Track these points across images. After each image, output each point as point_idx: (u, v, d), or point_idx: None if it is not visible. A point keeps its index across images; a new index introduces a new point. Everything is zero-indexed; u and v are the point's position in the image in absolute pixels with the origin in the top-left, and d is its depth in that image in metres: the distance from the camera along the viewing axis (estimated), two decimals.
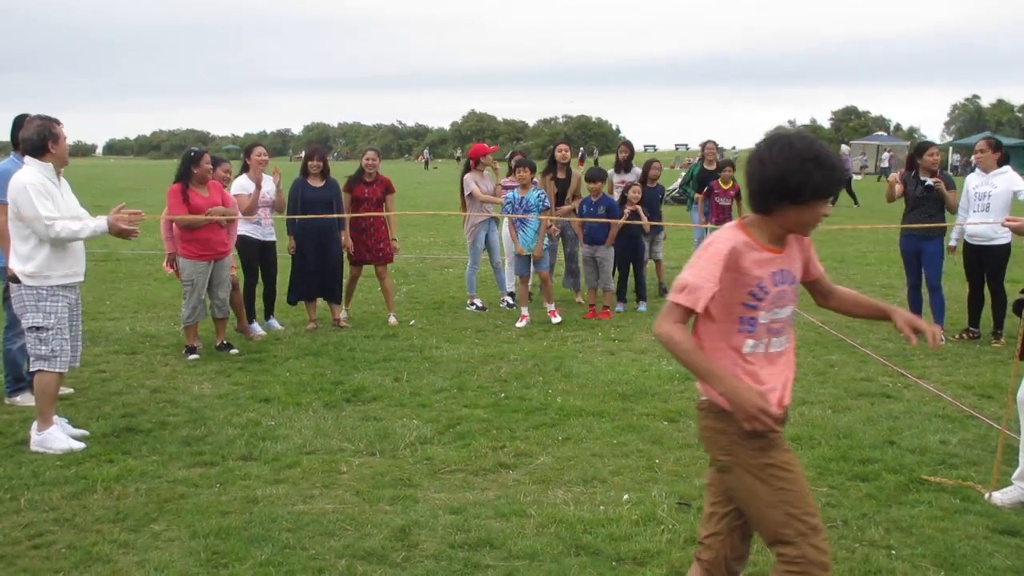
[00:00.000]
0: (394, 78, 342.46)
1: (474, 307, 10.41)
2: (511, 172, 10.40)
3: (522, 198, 9.62)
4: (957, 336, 8.81)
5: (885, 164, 54.39)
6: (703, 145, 13.30)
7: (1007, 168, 8.58)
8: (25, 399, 6.61)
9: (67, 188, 5.95)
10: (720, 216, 11.89)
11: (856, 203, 27.78)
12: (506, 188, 10.30)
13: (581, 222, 10.17)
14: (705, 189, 12.01)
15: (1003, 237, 8.46)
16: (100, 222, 5.70)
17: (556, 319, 9.58)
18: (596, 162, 16.36)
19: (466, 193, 10.42)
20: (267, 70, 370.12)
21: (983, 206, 8.48)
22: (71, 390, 6.88)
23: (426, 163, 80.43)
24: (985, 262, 8.64)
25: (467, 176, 10.51)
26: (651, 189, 11.15)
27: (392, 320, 9.71)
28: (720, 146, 13.44)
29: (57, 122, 5.80)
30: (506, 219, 10.26)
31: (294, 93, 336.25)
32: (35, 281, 5.60)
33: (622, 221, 10.03)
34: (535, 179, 9.81)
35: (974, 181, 8.70)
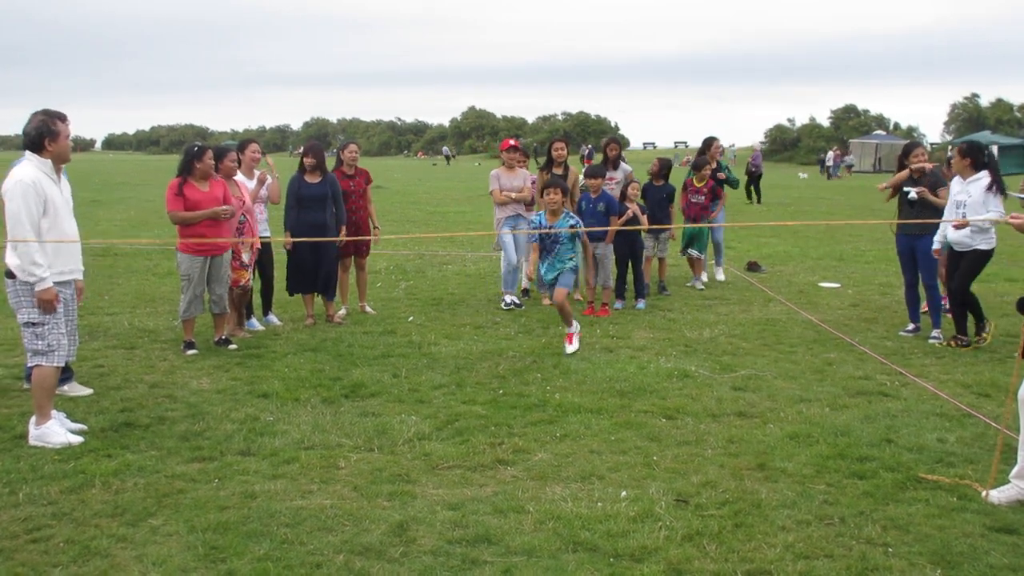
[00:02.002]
0: (393, 74, 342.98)
1: (507, 303, 10.30)
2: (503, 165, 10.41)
3: (551, 227, 8.26)
4: (946, 343, 8.61)
5: (829, 163, 54.73)
6: (708, 143, 12.63)
7: (983, 174, 8.23)
8: (73, 388, 6.69)
9: (67, 186, 5.93)
10: (693, 213, 11.70)
11: (759, 201, 27.69)
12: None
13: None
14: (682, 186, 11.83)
15: (983, 243, 8.23)
16: (43, 282, 5.55)
17: (571, 347, 8.16)
18: (592, 160, 16.35)
19: (489, 190, 10.37)
20: (267, 66, 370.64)
21: (960, 214, 8.27)
22: (90, 391, 6.81)
23: (447, 158, 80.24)
24: (960, 266, 8.43)
25: (492, 172, 10.50)
26: (658, 187, 11.13)
27: (368, 310, 9.97)
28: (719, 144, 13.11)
29: (60, 118, 5.75)
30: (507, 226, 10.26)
31: (294, 89, 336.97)
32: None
33: (635, 223, 10.04)
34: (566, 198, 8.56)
35: (955, 187, 8.50)
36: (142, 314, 9.81)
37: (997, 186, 8.09)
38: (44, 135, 5.65)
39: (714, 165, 12.30)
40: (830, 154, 57.48)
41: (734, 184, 12.74)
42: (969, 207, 8.20)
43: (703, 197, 11.66)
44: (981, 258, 8.34)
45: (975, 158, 8.33)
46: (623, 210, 10.14)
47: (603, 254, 10.02)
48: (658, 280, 11.39)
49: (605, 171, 10.46)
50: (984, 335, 8.48)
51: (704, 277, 12.17)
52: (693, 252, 11.83)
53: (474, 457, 5.46)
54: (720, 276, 12.38)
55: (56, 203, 5.68)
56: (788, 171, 58.91)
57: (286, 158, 75.98)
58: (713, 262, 12.55)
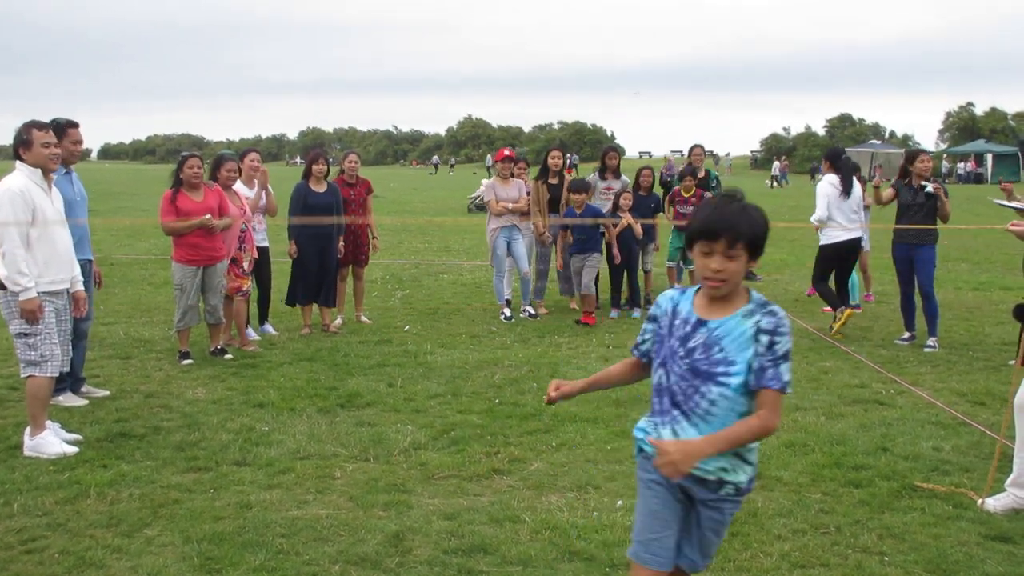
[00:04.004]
0: (390, 83, 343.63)
1: (503, 317, 10.22)
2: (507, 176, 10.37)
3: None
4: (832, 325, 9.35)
5: (775, 172, 54.92)
6: (691, 150, 12.47)
7: (826, 177, 9.46)
8: (68, 399, 6.73)
9: (57, 196, 5.92)
10: (683, 223, 11.60)
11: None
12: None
13: (567, 232, 10.03)
14: (667, 196, 11.61)
15: (822, 239, 9.38)
16: (27, 291, 5.52)
17: None
18: (576, 169, 15.50)
19: (484, 200, 10.33)
20: (263, 74, 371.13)
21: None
22: (85, 401, 6.82)
23: (436, 167, 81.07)
24: None
25: (488, 183, 10.47)
26: (644, 198, 11.04)
27: (364, 319, 9.96)
28: (715, 153, 13.01)
29: (37, 126, 5.72)
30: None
31: (290, 98, 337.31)
32: None
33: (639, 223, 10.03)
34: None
35: None
36: (137, 324, 9.80)
37: (843, 191, 9.23)
38: (18, 144, 5.67)
39: (702, 174, 12.05)
40: (776, 164, 57.87)
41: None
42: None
43: (691, 208, 11.47)
44: (821, 252, 9.44)
45: (832, 162, 9.57)
46: (615, 220, 10.10)
47: (591, 265, 9.94)
48: (644, 293, 11.22)
49: (589, 186, 10.28)
50: (836, 320, 9.29)
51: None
52: (687, 266, 11.72)
53: (470, 467, 5.46)
54: None
55: (45, 212, 5.67)
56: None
57: (282, 167, 75.97)
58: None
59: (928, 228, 8.64)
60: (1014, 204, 7.45)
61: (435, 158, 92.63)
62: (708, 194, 11.73)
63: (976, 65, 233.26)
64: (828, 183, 9.32)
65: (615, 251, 10.15)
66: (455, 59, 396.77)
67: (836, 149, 10.25)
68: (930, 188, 8.64)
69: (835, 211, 9.18)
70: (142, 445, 5.85)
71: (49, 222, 5.68)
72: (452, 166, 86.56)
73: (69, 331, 6.01)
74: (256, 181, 9.06)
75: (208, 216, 7.83)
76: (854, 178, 9.45)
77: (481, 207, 24.84)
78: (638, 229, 10.33)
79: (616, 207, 10.38)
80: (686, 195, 11.46)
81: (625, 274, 10.52)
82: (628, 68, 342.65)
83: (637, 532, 3.04)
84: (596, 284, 10.41)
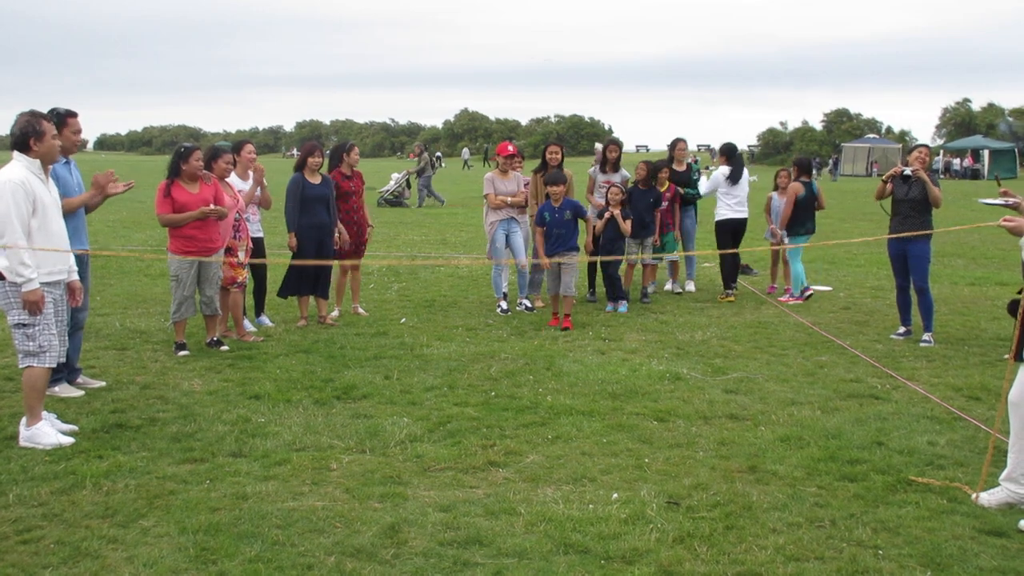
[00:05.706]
0: (387, 76, 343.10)
1: (499, 309, 10.19)
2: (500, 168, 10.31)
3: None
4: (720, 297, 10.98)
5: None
6: (673, 144, 12.21)
7: (720, 167, 11.67)
8: (64, 389, 6.72)
9: (53, 185, 5.92)
10: (659, 224, 11.20)
11: None
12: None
13: (541, 231, 9.53)
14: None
15: (716, 216, 11.50)
16: (30, 283, 5.52)
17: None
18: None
19: (484, 194, 10.24)
20: (260, 66, 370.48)
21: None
22: (81, 392, 6.82)
23: (466, 163, 73.10)
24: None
25: (487, 176, 10.37)
26: (643, 192, 10.91)
27: (361, 311, 9.98)
28: (711, 147, 13.02)
29: (46, 118, 5.74)
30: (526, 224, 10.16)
31: (287, 90, 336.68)
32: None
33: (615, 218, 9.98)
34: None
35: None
36: (134, 315, 9.79)
37: (730, 178, 11.44)
38: (29, 135, 5.64)
39: (683, 167, 11.95)
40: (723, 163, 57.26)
41: (695, 196, 12.08)
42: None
43: (665, 203, 11.22)
44: (716, 227, 11.56)
45: (727, 155, 11.85)
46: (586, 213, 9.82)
47: (569, 264, 9.36)
48: (641, 286, 11.14)
49: (565, 177, 9.76)
50: (726, 295, 11.17)
51: (667, 286, 11.84)
52: (670, 257, 11.64)
53: (466, 459, 5.46)
54: (690, 287, 11.91)
55: (45, 203, 5.67)
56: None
57: (279, 159, 75.73)
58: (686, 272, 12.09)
59: (922, 223, 8.64)
60: (999, 201, 7.47)
61: (465, 151, 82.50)
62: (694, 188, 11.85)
63: (974, 61, 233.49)
64: (720, 173, 11.59)
65: (588, 245, 9.98)
66: (453, 53, 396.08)
67: (730, 145, 12.14)
68: (908, 171, 8.64)
69: (724, 195, 11.43)
70: (138, 436, 5.85)
71: (48, 213, 5.67)
72: (438, 158, 75.23)
73: (66, 321, 6.01)
74: (251, 175, 9.04)
75: (211, 206, 7.84)
76: (744, 170, 11.66)
77: (391, 201, 25.34)
78: (624, 227, 10.17)
79: (606, 201, 10.22)
80: (660, 189, 11.23)
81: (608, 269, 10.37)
82: (626, 63, 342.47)
83: None
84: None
